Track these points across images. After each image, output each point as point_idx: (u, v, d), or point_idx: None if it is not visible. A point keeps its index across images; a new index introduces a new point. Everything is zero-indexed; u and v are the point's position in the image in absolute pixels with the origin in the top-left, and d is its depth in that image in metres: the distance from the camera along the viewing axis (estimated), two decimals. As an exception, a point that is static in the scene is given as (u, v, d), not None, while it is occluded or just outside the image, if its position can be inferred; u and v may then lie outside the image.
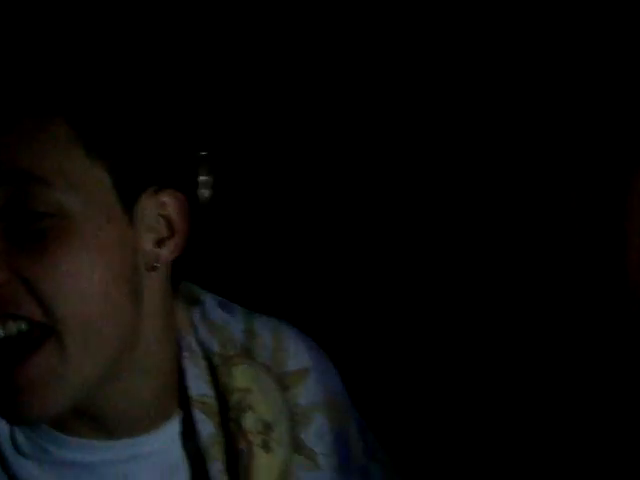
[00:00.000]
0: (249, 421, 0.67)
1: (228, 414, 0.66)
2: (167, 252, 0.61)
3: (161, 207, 0.60)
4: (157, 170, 0.60)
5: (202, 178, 2.40)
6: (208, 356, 0.68)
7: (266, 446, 0.67)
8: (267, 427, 0.68)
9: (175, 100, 0.65)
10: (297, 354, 0.74)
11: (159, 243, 0.61)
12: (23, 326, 0.54)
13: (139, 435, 0.63)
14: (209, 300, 0.72)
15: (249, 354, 0.70)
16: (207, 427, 0.65)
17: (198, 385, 0.66)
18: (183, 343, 0.67)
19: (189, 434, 0.65)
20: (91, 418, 0.61)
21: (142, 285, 0.60)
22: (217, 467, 0.65)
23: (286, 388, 0.71)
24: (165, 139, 0.62)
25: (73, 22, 0.65)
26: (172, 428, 0.65)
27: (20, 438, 0.61)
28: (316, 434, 0.72)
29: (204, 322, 0.69)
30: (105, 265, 0.56)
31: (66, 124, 0.55)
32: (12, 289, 0.53)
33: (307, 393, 0.72)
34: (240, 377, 0.68)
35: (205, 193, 2.38)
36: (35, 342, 0.54)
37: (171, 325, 0.65)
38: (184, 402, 0.66)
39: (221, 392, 0.67)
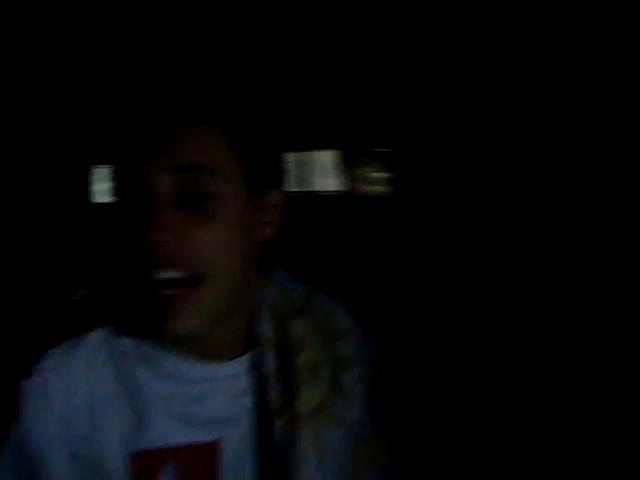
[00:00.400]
0: (300, 361, 0.88)
1: (286, 355, 0.88)
2: (268, 232, 0.85)
3: (272, 199, 0.84)
4: (273, 173, 0.85)
5: (379, 174, 2.60)
6: (277, 310, 0.90)
7: (311, 381, 0.88)
8: (314, 367, 0.88)
9: (289, 120, 0.90)
10: (344, 319, 0.94)
11: (265, 224, 0.84)
12: (176, 275, 0.76)
13: (221, 361, 0.86)
14: (282, 273, 0.95)
15: (307, 312, 0.91)
16: (270, 362, 0.87)
17: (267, 329, 0.88)
18: (261, 298, 0.90)
19: (255, 368, 0.88)
20: (197, 342, 0.82)
21: (252, 252, 0.84)
22: (275, 391, 0.86)
23: (334, 340, 0.91)
24: (279, 149, 0.87)
25: (229, 56, 0.90)
26: (244, 361, 0.87)
27: (140, 351, 0.84)
28: (352, 380, 0.91)
29: (277, 286, 0.92)
30: (240, 235, 0.79)
31: (223, 132, 0.79)
32: (174, 247, 0.75)
33: (350, 347, 0.92)
34: (298, 328, 0.89)
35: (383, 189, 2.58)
36: (183, 285, 0.76)
37: (257, 284, 0.89)
38: (254, 344, 0.88)
39: (282, 337, 0.88)
